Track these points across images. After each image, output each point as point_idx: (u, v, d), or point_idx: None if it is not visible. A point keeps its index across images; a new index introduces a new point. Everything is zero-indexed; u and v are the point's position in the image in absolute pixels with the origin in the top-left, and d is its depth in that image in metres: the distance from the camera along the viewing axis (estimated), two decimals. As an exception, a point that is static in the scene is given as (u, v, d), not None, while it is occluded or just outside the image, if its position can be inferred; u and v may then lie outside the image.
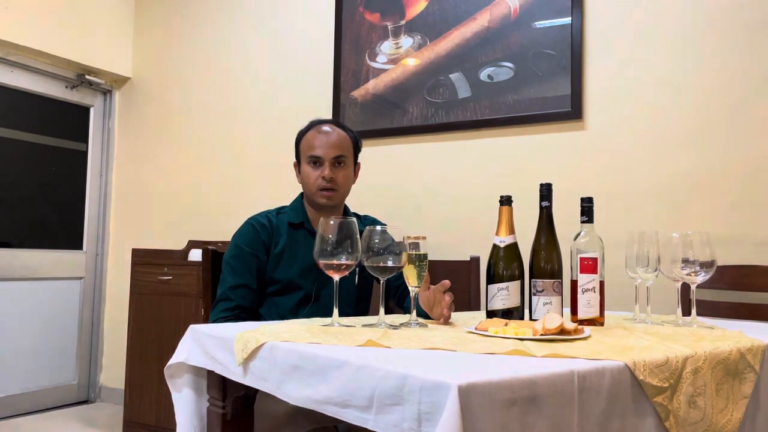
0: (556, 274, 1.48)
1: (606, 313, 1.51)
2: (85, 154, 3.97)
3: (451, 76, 2.86)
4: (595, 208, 1.53)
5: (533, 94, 2.66)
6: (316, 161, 1.81)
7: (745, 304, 2.20)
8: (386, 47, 3.04)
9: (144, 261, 3.16)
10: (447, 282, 1.47)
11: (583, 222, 1.51)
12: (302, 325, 1.34)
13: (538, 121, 2.66)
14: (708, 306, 2.18)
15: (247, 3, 3.55)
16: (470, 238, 2.65)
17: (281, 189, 3.08)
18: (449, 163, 2.87)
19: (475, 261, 2.41)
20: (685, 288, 1.54)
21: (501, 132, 2.75)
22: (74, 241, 3.90)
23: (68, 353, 3.81)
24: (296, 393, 1.02)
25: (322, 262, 1.30)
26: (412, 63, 2.96)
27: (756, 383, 1.17)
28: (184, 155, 3.73)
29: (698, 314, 1.55)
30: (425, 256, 1.37)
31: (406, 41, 2.99)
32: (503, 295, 1.47)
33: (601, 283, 1.46)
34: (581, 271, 1.46)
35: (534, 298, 1.48)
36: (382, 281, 1.36)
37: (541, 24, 2.67)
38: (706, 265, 1.46)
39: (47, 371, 3.68)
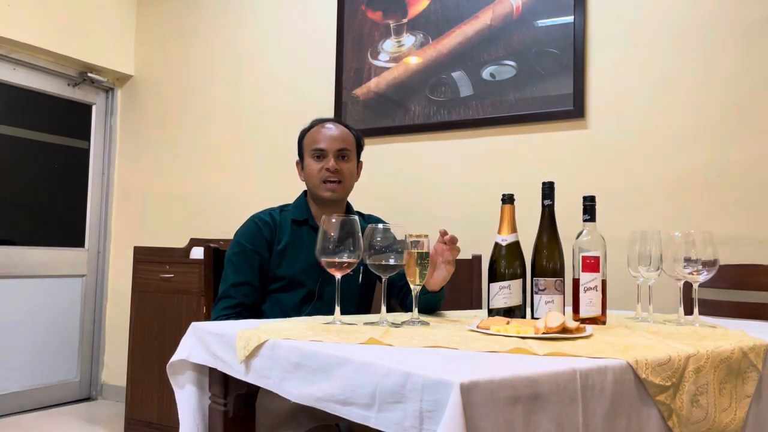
0: (558, 272, 1.48)
1: (608, 312, 1.50)
2: (87, 151, 3.97)
3: (453, 74, 2.85)
4: (597, 207, 1.52)
5: (535, 93, 2.66)
6: (320, 154, 1.81)
7: (748, 304, 2.20)
8: (388, 45, 3.04)
9: (146, 259, 3.16)
10: (443, 231, 1.52)
11: (585, 220, 1.51)
12: (304, 322, 1.34)
13: (540, 120, 2.66)
14: (710, 305, 2.18)
15: (250, 1, 3.54)
16: (472, 237, 2.64)
17: (283, 187, 3.08)
18: (451, 161, 2.87)
19: (476, 259, 2.41)
20: (687, 287, 1.54)
21: (503, 130, 2.75)
22: (76, 239, 3.90)
23: (70, 351, 3.81)
24: (298, 390, 1.02)
25: (324, 260, 1.30)
26: (414, 61, 2.96)
27: (759, 382, 1.17)
28: (185, 153, 3.73)
29: (700, 313, 1.54)
30: (427, 254, 1.37)
31: (408, 39, 2.99)
32: (505, 293, 1.47)
33: (603, 282, 1.46)
34: (583, 270, 1.46)
35: (536, 297, 1.47)
36: (384, 279, 1.36)
37: (543, 22, 2.66)
38: (708, 264, 1.46)
39: (49, 369, 3.69)
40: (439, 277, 1.56)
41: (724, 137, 2.33)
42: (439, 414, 0.78)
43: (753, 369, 1.16)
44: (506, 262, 1.49)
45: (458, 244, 1.55)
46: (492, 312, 1.48)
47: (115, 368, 3.84)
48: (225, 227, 3.14)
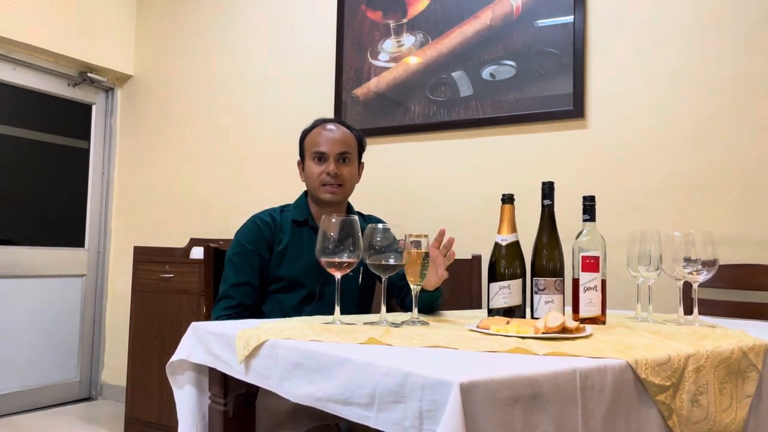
0: (557, 272, 1.48)
1: (607, 311, 1.51)
2: (87, 151, 3.97)
3: (453, 74, 2.85)
4: (597, 207, 1.52)
5: (535, 93, 2.66)
6: (321, 157, 1.81)
7: (747, 303, 2.20)
8: (388, 45, 3.04)
9: (146, 258, 3.16)
10: (442, 230, 1.50)
11: (585, 220, 1.51)
12: (304, 322, 1.34)
13: (540, 120, 2.66)
14: (710, 305, 2.18)
15: (250, 1, 3.54)
16: (472, 237, 2.64)
17: (283, 187, 3.08)
18: (451, 161, 2.87)
19: (476, 259, 2.41)
20: (687, 287, 1.54)
21: (503, 130, 2.75)
22: (76, 239, 3.90)
23: (70, 351, 3.81)
24: (298, 390, 1.02)
25: (323, 259, 1.30)
26: (414, 61, 2.96)
27: (759, 382, 1.17)
28: (185, 153, 3.73)
29: (700, 313, 1.54)
30: (427, 254, 1.37)
31: (408, 39, 2.99)
32: (505, 293, 1.47)
33: (603, 282, 1.46)
34: (583, 270, 1.46)
35: (536, 297, 1.47)
36: (383, 279, 1.36)
37: (543, 22, 2.66)
38: (708, 264, 1.46)
39: (49, 369, 3.69)
40: (431, 282, 1.53)
41: (723, 137, 2.33)
42: (439, 414, 0.78)
43: (753, 369, 1.16)
44: (506, 262, 1.49)
45: (456, 247, 1.54)
46: (492, 312, 1.48)
47: (115, 368, 3.84)
48: (225, 227, 3.14)
